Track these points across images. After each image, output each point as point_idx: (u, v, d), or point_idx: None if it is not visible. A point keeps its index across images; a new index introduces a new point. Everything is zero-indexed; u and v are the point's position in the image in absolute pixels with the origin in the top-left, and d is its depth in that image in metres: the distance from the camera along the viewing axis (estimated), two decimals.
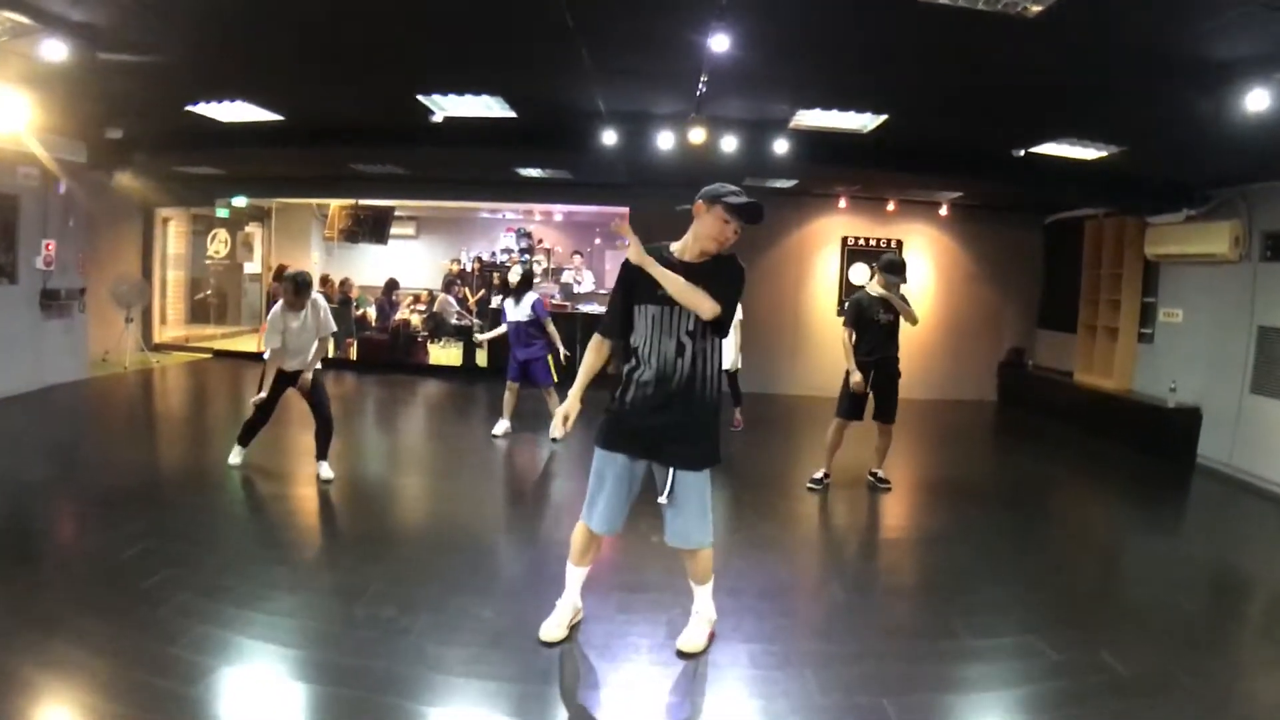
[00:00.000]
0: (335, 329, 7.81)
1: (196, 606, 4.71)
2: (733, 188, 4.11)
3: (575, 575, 4.67)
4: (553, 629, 4.57)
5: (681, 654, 4.48)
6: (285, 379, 7.56)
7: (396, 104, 8.33)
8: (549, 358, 9.62)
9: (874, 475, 8.43)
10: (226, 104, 8.70)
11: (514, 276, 9.82)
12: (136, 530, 5.91)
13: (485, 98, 8.07)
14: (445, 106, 8.38)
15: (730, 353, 10.33)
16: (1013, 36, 5.36)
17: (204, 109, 8.83)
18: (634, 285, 4.22)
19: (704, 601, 4.63)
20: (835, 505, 7.90)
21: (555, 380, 9.56)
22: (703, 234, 4.13)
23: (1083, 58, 5.80)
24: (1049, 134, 8.33)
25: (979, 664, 4.67)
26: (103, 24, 6.00)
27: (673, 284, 3.99)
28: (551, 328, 9.59)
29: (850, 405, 8.09)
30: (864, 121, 8.31)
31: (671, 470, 4.23)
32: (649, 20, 5.69)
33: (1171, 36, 5.24)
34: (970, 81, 6.76)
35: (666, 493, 4.24)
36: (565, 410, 4.35)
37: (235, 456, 7.84)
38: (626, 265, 4.22)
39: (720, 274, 4.11)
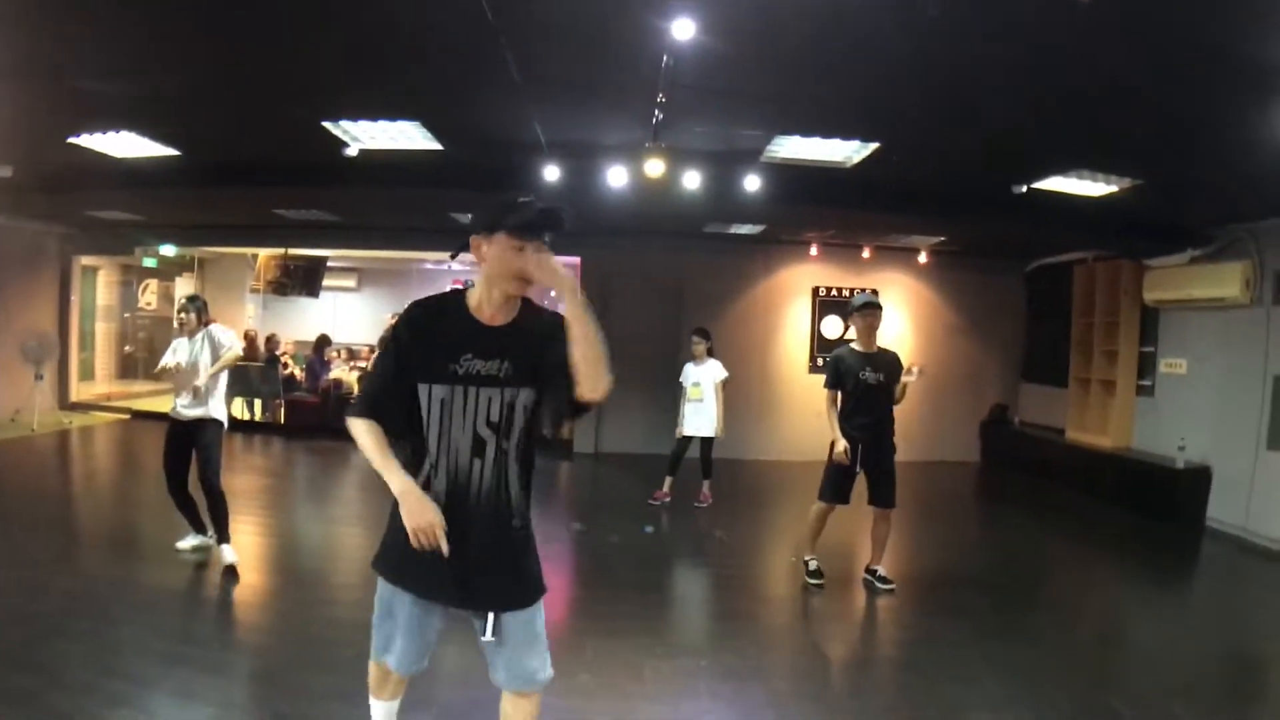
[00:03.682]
0: (236, 347, 6.89)
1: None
2: (517, 200, 2.89)
3: (382, 711, 3.44)
4: None
5: None
6: (183, 436, 6.65)
7: (305, 133, 7.42)
8: None
9: (871, 573, 7.05)
10: (112, 136, 7.85)
11: None
12: None
13: (402, 124, 7.21)
14: (359, 136, 7.55)
15: (712, 419, 9.68)
16: (1053, 27, 4.51)
17: (90, 141, 7.98)
18: (415, 351, 2.95)
19: None
20: (818, 610, 6.73)
21: None
22: (494, 275, 2.92)
23: (1129, 57, 4.95)
24: (1061, 164, 7.59)
25: None
26: None
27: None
28: None
29: (835, 485, 6.82)
30: (849, 152, 7.49)
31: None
32: (590, 8, 4.63)
33: (1219, 34, 4.50)
34: (984, 93, 5.87)
35: (489, 631, 2.98)
36: (432, 523, 2.84)
37: (188, 541, 6.94)
38: (410, 320, 3.00)
39: (551, 335, 2.88)
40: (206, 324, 6.79)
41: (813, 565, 6.99)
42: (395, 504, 2.90)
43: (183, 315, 6.79)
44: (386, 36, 5.22)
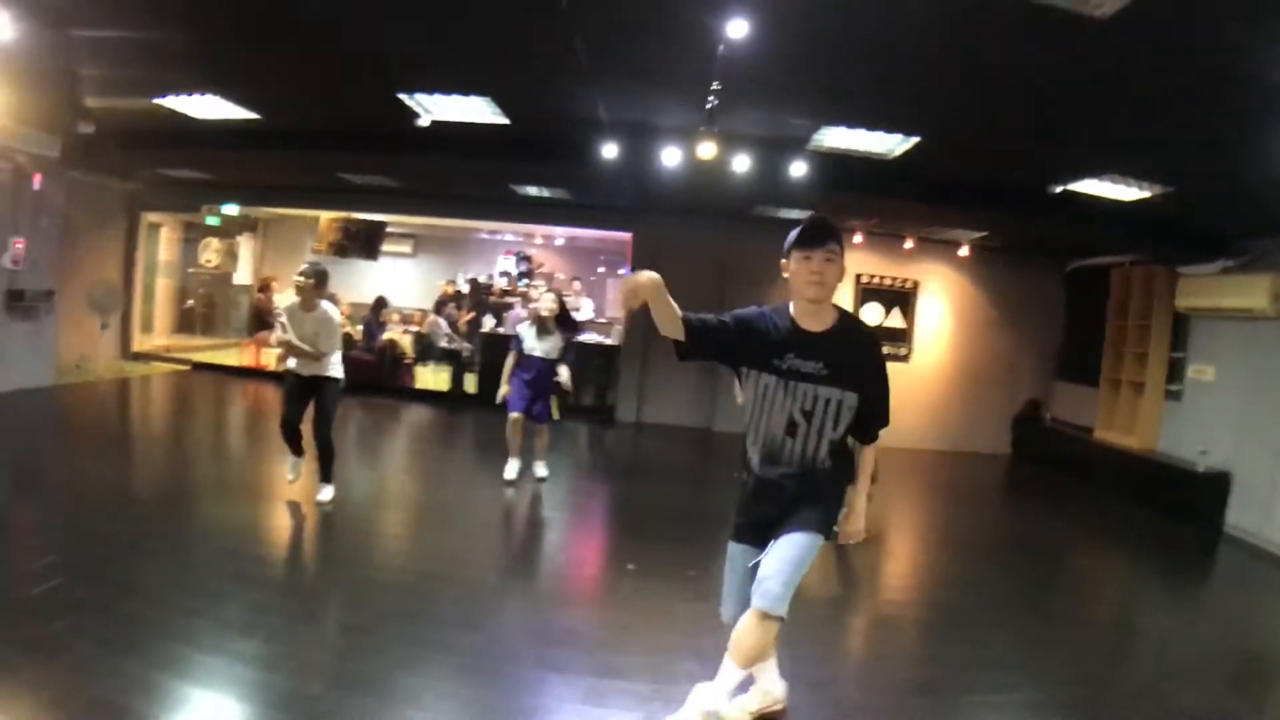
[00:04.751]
0: (336, 347, 7.24)
1: (99, 663, 4.00)
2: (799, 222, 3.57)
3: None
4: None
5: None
6: (302, 390, 7.22)
7: (378, 103, 7.80)
8: (554, 396, 8.79)
9: None
10: (197, 98, 8.25)
11: (546, 307, 8.45)
12: (50, 564, 5.20)
13: (473, 98, 7.56)
14: (431, 108, 7.90)
15: None
16: (1076, 44, 4.82)
17: (175, 103, 8.39)
18: (750, 341, 3.65)
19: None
20: (839, 561, 7.20)
21: (554, 418, 8.86)
22: (794, 287, 3.58)
23: (1151, 71, 5.23)
24: (1092, 168, 7.81)
25: None
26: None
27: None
28: (565, 370, 8.69)
29: None
30: (891, 144, 7.76)
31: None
32: (651, 7, 5.04)
33: (1255, 53, 4.69)
34: (1018, 98, 6.17)
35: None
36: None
37: (292, 470, 7.48)
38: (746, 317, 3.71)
39: (866, 354, 3.68)
40: (323, 298, 7.16)
41: None
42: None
43: (301, 280, 6.98)
44: (465, 18, 5.60)
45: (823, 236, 3.45)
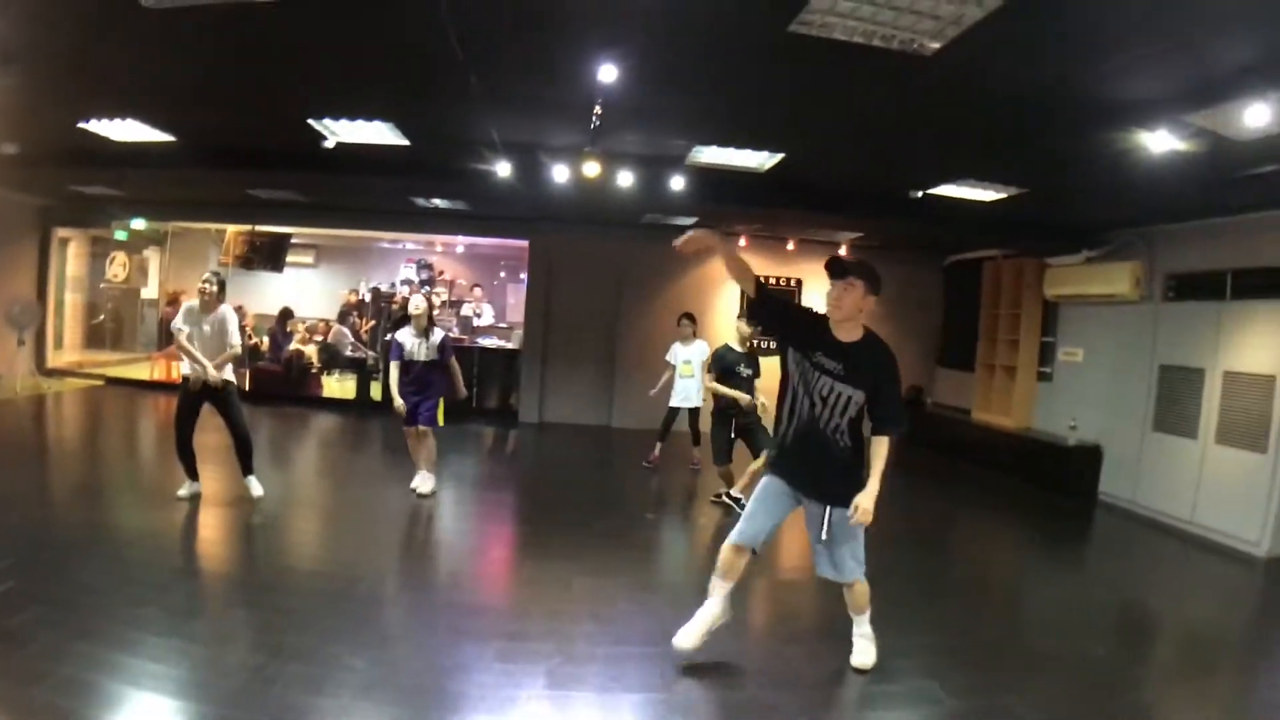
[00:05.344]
0: (239, 343, 7.69)
1: (65, 648, 4.44)
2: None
3: (724, 591, 4.99)
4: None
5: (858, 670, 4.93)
6: (196, 395, 7.51)
7: (289, 127, 8.07)
8: (440, 400, 8.56)
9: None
10: (119, 122, 8.43)
11: (417, 308, 8.35)
12: (6, 568, 5.53)
13: (377, 124, 7.89)
14: (338, 132, 8.17)
15: (699, 392, 10.63)
16: (910, 74, 5.34)
17: (97, 126, 8.56)
18: (802, 332, 4.77)
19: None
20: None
21: (440, 424, 8.60)
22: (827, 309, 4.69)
23: (982, 97, 5.85)
24: (947, 175, 8.44)
25: (875, 712, 4.61)
26: None
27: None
28: (456, 367, 8.62)
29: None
30: (761, 160, 8.32)
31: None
32: (538, 47, 5.56)
33: (1073, 77, 5.31)
34: (867, 121, 6.77)
35: (824, 532, 4.76)
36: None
37: (184, 489, 7.65)
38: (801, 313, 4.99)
39: (878, 370, 4.65)
40: (223, 303, 7.59)
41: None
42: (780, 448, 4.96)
43: (205, 286, 7.46)
44: (371, 52, 5.95)
45: (840, 271, 4.54)
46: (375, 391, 14.83)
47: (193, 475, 7.67)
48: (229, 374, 7.60)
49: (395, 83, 6.70)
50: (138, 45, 5.93)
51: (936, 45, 4.84)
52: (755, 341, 8.70)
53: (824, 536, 4.70)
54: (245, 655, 4.63)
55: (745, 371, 8.42)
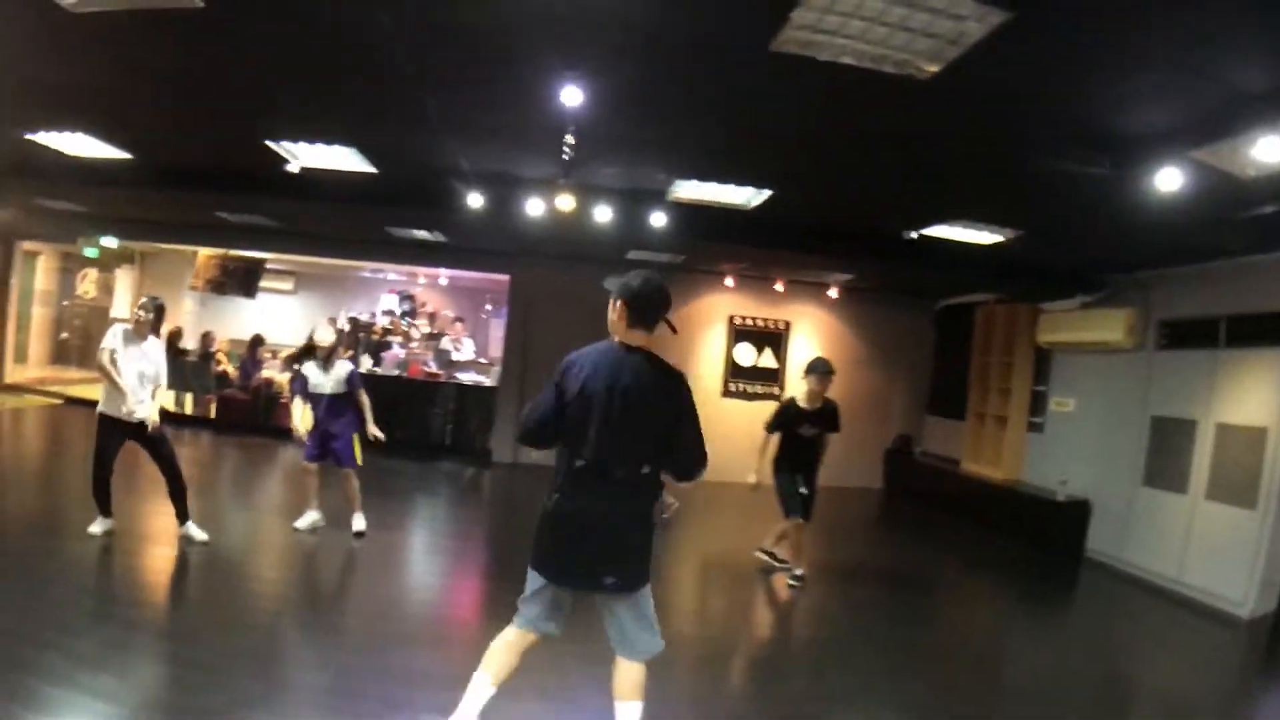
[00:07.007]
0: (165, 380, 7.19)
1: None
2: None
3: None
4: None
5: None
6: (120, 429, 6.93)
7: (247, 149, 7.76)
8: (355, 435, 8.08)
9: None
10: (67, 135, 8.10)
11: (323, 338, 7.92)
12: None
13: (338, 148, 7.58)
14: (298, 155, 7.87)
15: None
16: (904, 102, 5.03)
17: (45, 139, 8.24)
18: None
19: None
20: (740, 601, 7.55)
21: (359, 463, 8.08)
22: None
23: (979, 126, 5.52)
24: (943, 215, 8.10)
25: None
26: None
27: None
28: (365, 400, 8.12)
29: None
30: (747, 196, 7.98)
31: None
32: (494, 68, 5.17)
33: (1079, 104, 4.99)
34: (858, 154, 6.44)
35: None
36: None
37: (97, 525, 7.05)
38: None
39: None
40: (157, 333, 7.11)
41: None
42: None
43: (140, 313, 6.90)
44: (323, 72, 5.63)
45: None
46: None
47: (105, 512, 7.11)
48: (156, 414, 7.04)
49: (351, 104, 6.38)
50: (68, 51, 5.62)
51: (934, 68, 4.48)
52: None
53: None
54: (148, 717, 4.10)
55: (809, 432, 7.94)
